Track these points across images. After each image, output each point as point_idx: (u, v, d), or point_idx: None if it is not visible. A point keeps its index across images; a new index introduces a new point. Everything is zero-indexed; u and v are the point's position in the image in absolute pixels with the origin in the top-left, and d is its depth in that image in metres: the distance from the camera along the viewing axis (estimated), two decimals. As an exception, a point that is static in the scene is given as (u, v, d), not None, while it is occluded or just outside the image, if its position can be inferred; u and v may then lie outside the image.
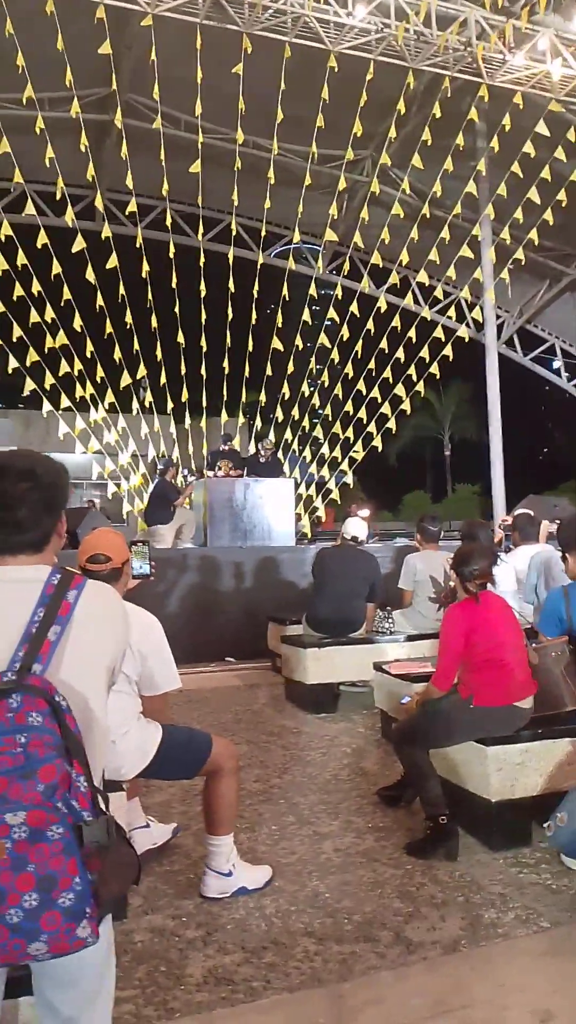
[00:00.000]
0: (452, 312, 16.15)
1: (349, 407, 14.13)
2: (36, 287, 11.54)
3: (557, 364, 20.08)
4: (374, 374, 13.80)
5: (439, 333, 13.69)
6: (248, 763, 4.62)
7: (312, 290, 13.82)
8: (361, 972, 2.52)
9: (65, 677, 1.45)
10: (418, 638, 6.00)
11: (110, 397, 12.96)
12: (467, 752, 3.51)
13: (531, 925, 2.79)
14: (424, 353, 13.51)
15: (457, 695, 3.53)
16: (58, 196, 11.93)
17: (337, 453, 14.94)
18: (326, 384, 14.78)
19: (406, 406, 13.60)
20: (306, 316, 13.06)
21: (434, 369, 13.50)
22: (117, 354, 12.71)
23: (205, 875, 3.04)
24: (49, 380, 12.30)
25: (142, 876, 3.15)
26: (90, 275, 11.68)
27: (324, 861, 3.32)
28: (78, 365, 12.59)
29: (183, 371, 13.88)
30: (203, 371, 14.06)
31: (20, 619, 1.46)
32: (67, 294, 11.81)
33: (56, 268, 11.57)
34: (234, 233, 13.76)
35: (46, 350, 12.03)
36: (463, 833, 3.42)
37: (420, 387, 13.64)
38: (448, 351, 13.54)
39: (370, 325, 13.59)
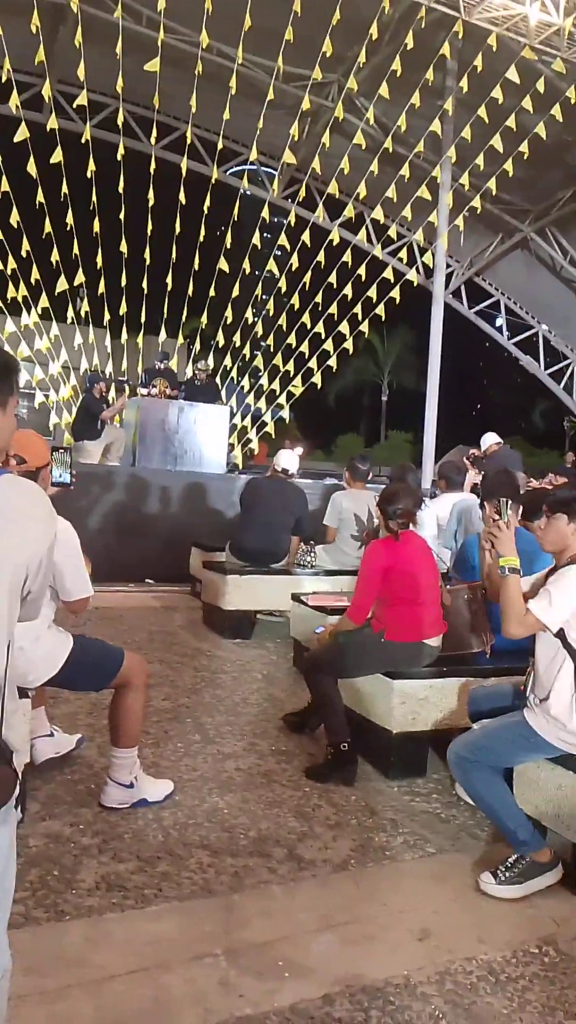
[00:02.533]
0: (403, 255, 15.95)
1: (292, 340, 13.90)
2: (-29, 175, 10.83)
3: (500, 321, 20.20)
4: (320, 308, 13.58)
5: (388, 274, 13.52)
6: (159, 681, 4.63)
7: (265, 213, 13.38)
8: (252, 885, 2.60)
9: None
10: (338, 573, 6.08)
11: (44, 302, 12.36)
12: (374, 684, 3.60)
13: (418, 851, 2.92)
14: (372, 293, 13.35)
15: (370, 629, 3.59)
16: (3, 79, 11.10)
17: (276, 386, 14.76)
18: (271, 313, 14.48)
19: (349, 345, 13.47)
20: (256, 240, 12.67)
21: (380, 311, 13.36)
22: (55, 256, 12.09)
23: (107, 785, 3.06)
24: (-21, 277, 11.69)
25: (41, 784, 3.17)
26: (32, 168, 10.99)
27: (225, 779, 3.38)
28: (12, 264, 11.92)
29: (123, 283, 13.34)
30: (144, 285, 13.57)
31: None
32: (5, 186, 11.12)
33: (-5, 156, 10.85)
34: (188, 142, 13.12)
35: (-23, 244, 11.39)
36: (362, 761, 3.53)
37: (365, 327, 13.51)
38: (396, 294, 13.41)
39: (321, 258, 13.30)
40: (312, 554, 6.28)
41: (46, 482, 2.91)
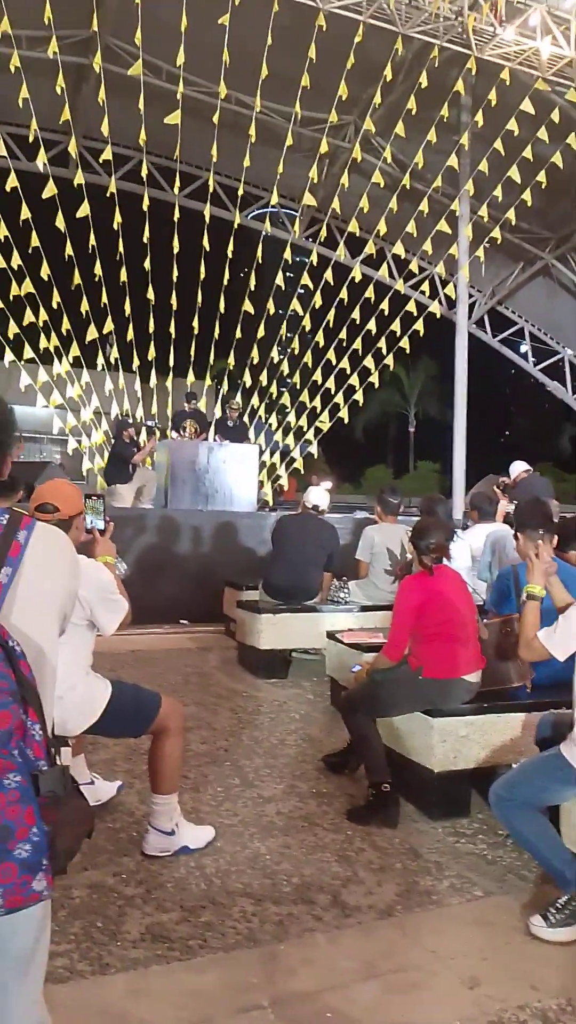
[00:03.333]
0: (425, 287, 16.08)
1: (318, 376, 14.03)
2: (3, 232, 11.18)
3: (524, 348, 20.17)
4: (344, 344, 13.71)
5: (411, 307, 13.63)
6: (195, 724, 4.63)
7: (287, 255, 13.61)
8: (297, 934, 2.56)
9: (17, 621, 1.38)
10: (372, 609, 6.04)
11: (75, 350, 12.65)
12: (413, 722, 3.56)
13: (464, 894, 2.85)
14: (395, 327, 13.45)
15: (407, 666, 3.57)
16: (31, 139, 11.51)
17: (303, 422, 14.87)
18: (296, 351, 14.65)
19: (374, 379, 13.57)
20: (279, 281, 12.87)
21: (404, 344, 13.45)
22: (84, 306, 12.39)
23: (148, 833, 3.05)
24: (13, 329, 11.99)
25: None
26: (60, 223, 11.34)
27: (266, 824, 3.35)
28: (43, 315, 12.25)
29: (151, 328, 13.61)
30: (172, 330, 13.82)
31: None
32: (35, 241, 11.46)
33: (25, 213, 11.20)
34: (211, 190, 13.45)
35: (11, 298, 11.70)
36: (404, 801, 3.48)
37: (389, 361, 13.60)
38: (419, 326, 13.49)
39: (343, 295, 13.47)
40: (345, 590, 6.26)
41: (80, 531, 2.95)
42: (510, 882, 2.96)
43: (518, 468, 8.54)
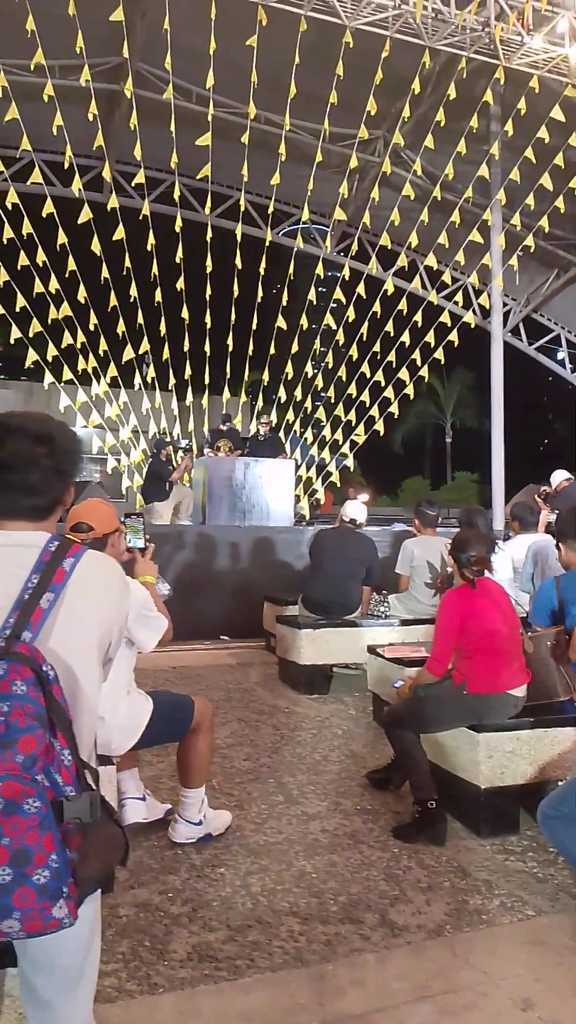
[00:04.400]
0: (459, 298, 16.02)
1: (352, 390, 14.05)
2: (41, 257, 11.43)
3: (561, 355, 19.95)
4: (379, 357, 13.71)
5: (445, 318, 13.59)
6: (238, 741, 4.63)
7: (319, 270, 13.68)
8: (345, 954, 2.53)
9: (55, 646, 1.40)
10: (413, 623, 5.99)
11: (112, 371, 12.86)
12: (458, 738, 3.51)
13: (516, 913, 2.80)
14: (430, 338, 13.42)
15: (450, 681, 3.52)
16: (66, 165, 11.78)
17: (339, 436, 14.87)
18: (330, 366, 14.68)
19: (409, 391, 13.53)
20: (312, 296, 12.94)
21: (439, 355, 13.41)
22: (121, 327, 12.60)
23: (176, 823, 3.19)
24: (52, 352, 12.21)
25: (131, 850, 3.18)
26: (96, 247, 11.56)
27: (311, 842, 3.33)
28: (81, 337, 12.50)
29: (186, 347, 13.77)
30: (207, 348, 13.96)
31: (14, 585, 1.42)
32: (72, 265, 11.69)
33: (62, 238, 11.44)
34: (242, 209, 13.59)
35: (49, 321, 11.93)
36: (451, 819, 3.43)
37: (424, 372, 13.55)
38: (453, 337, 13.44)
39: (376, 308, 13.48)
40: (385, 604, 6.23)
41: (115, 548, 2.98)
42: (562, 901, 2.89)
43: (559, 477, 8.42)
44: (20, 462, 1.48)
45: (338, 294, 13.55)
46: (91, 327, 12.50)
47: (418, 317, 13.62)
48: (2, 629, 1.36)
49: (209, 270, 12.96)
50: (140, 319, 12.82)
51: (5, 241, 11.05)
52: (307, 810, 3.66)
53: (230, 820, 3.39)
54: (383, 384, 13.74)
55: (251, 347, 14.13)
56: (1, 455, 1.48)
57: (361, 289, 13.40)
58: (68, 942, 1.39)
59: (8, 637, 1.34)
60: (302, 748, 4.59)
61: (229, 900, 2.84)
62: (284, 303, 13.06)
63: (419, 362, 13.50)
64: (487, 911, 2.80)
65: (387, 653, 4.90)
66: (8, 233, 11.03)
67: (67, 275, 11.72)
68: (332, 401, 14.84)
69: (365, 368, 13.77)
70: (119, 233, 11.60)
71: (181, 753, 3.20)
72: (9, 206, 10.92)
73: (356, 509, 6.42)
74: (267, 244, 14.00)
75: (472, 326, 14.97)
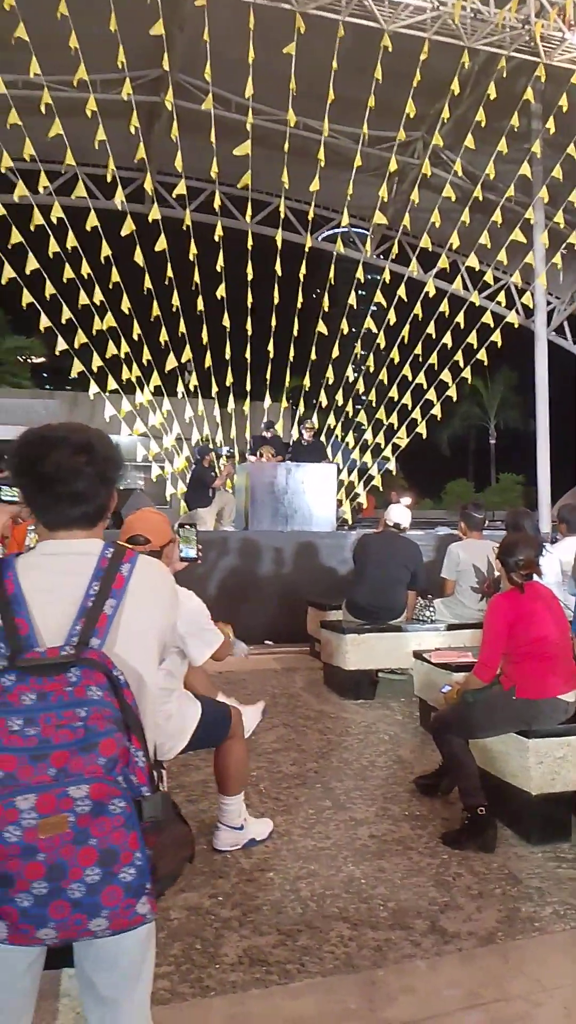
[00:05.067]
0: (501, 298, 15.85)
1: (394, 393, 14.00)
2: (85, 269, 11.65)
3: (608, 353, 19.61)
4: (420, 359, 13.64)
5: (488, 319, 13.47)
6: (284, 746, 4.64)
7: (359, 274, 13.67)
8: (395, 960, 2.52)
9: (120, 651, 1.43)
10: (459, 627, 5.94)
11: (156, 380, 13.06)
12: (508, 744, 3.48)
13: (569, 921, 2.76)
14: (472, 339, 13.31)
15: (499, 686, 3.49)
16: (108, 179, 11.98)
17: (380, 439, 14.83)
18: (371, 369, 14.66)
19: (452, 393, 13.43)
20: (352, 300, 12.94)
21: (482, 355, 13.30)
22: (163, 337, 12.77)
23: (218, 830, 3.21)
24: (96, 362, 12.43)
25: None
26: (138, 257, 11.73)
27: (360, 847, 3.32)
28: (125, 347, 12.69)
29: (228, 355, 13.88)
30: (247, 355, 14.05)
31: (75, 593, 1.45)
32: (115, 276, 11.89)
33: (105, 250, 11.64)
34: (282, 216, 13.66)
35: (94, 332, 12.14)
36: (501, 825, 3.39)
37: (467, 374, 13.44)
38: (496, 337, 13.32)
39: (417, 310, 13.43)
40: (431, 608, 6.17)
41: (170, 559, 3.02)
42: (617, 910, 2.84)
43: None
44: (65, 473, 1.51)
45: (378, 297, 13.52)
46: (135, 337, 12.70)
47: (460, 318, 13.52)
48: (70, 636, 1.39)
49: (250, 277, 13.04)
50: (182, 328, 12.97)
51: (51, 255, 11.28)
52: (355, 815, 3.65)
53: (271, 827, 3.41)
54: (425, 387, 13.67)
55: (292, 353, 14.17)
56: (46, 468, 1.51)
57: (402, 292, 13.35)
58: (129, 941, 1.42)
59: (77, 644, 1.37)
60: (349, 753, 4.59)
61: (279, 904, 2.85)
62: (324, 308, 13.08)
63: (461, 364, 13.40)
64: (539, 919, 2.77)
65: (433, 658, 4.87)
66: (53, 247, 11.26)
67: (111, 286, 11.92)
68: (373, 405, 14.81)
69: (407, 371, 13.71)
70: (161, 243, 11.76)
71: (219, 761, 3.21)
72: (54, 220, 11.15)
73: (400, 513, 6.38)
74: (307, 249, 14.05)
75: (516, 326, 14.80)
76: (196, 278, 12.74)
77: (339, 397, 14.77)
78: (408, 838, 3.41)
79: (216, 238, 13.05)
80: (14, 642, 1.37)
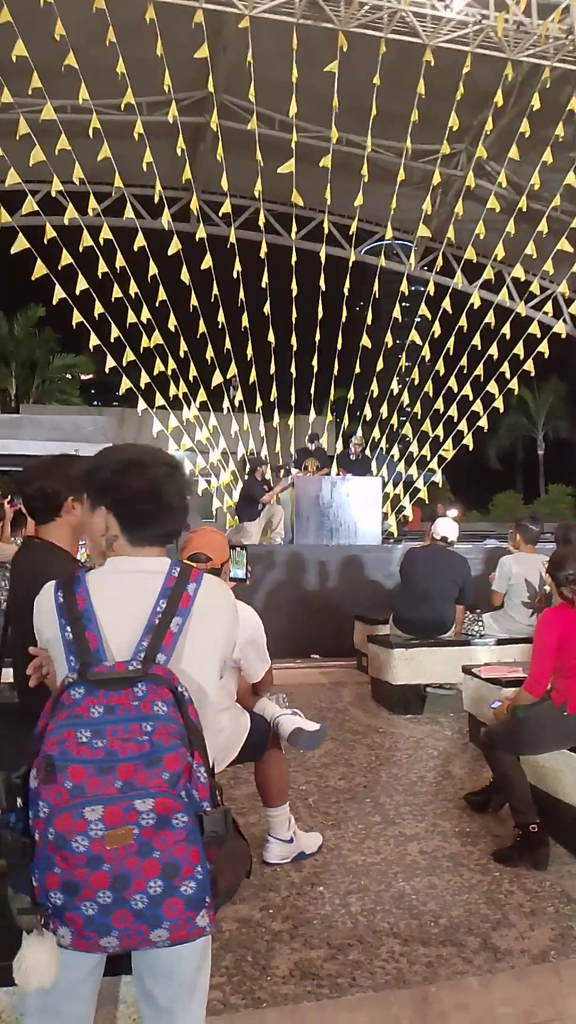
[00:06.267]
0: (548, 308, 15.69)
1: (439, 405, 13.93)
2: (133, 288, 11.88)
3: None
4: (466, 371, 13.56)
5: (534, 329, 13.34)
6: (333, 761, 4.64)
7: (403, 287, 13.68)
8: (447, 976, 2.51)
9: (185, 668, 1.47)
10: (508, 642, 5.87)
11: (202, 395, 13.23)
12: (559, 760, 3.43)
13: (624, 941, 2.71)
14: (519, 350, 13.20)
15: (550, 702, 3.45)
16: (155, 199, 12.22)
17: (426, 452, 14.76)
18: (416, 382, 14.61)
19: (499, 404, 13.31)
20: (396, 313, 12.94)
21: (528, 366, 13.16)
22: (209, 353, 12.94)
23: (268, 843, 3.23)
24: (144, 379, 12.63)
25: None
26: (185, 276, 11.93)
27: (410, 863, 3.31)
28: (172, 364, 12.90)
29: (272, 370, 14.00)
30: (292, 369, 14.15)
31: (143, 609, 1.49)
32: (163, 295, 12.10)
33: (152, 270, 11.86)
34: (326, 231, 13.74)
35: (141, 350, 12.36)
36: (553, 842, 3.35)
37: (514, 385, 13.32)
38: (544, 348, 13.18)
39: (463, 322, 13.36)
40: (480, 623, 6.12)
41: (225, 576, 3.10)
42: None
43: None
44: (159, 492, 1.57)
45: (423, 310, 13.49)
46: (181, 354, 12.89)
47: (506, 329, 13.41)
48: (136, 652, 1.44)
49: (294, 293, 13.15)
50: (228, 344, 13.12)
51: (100, 275, 11.53)
52: (404, 831, 3.64)
53: (321, 840, 3.43)
54: (471, 398, 13.58)
55: (336, 366, 14.22)
56: (140, 486, 1.57)
57: (447, 304, 13.31)
58: (186, 952, 1.46)
59: (144, 660, 1.41)
60: (398, 768, 4.57)
61: (329, 918, 2.86)
62: (368, 321, 13.10)
63: (508, 375, 13.29)
64: (594, 939, 2.73)
65: (483, 673, 4.83)
66: (102, 267, 11.52)
67: (158, 304, 12.14)
68: (418, 417, 14.75)
69: (452, 383, 13.63)
70: (207, 262, 11.93)
71: (261, 775, 3.26)
72: (103, 241, 11.40)
73: (447, 527, 6.35)
74: (351, 263, 14.10)
75: (563, 336, 14.63)
76: (241, 295, 12.89)
77: (384, 410, 14.75)
78: (459, 855, 3.39)
79: (261, 255, 13.19)
80: (84, 656, 1.41)
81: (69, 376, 27.88)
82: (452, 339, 13.43)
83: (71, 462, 2.43)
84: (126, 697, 1.35)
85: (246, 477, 11.12)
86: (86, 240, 11.29)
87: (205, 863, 1.34)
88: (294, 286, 13.14)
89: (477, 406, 13.40)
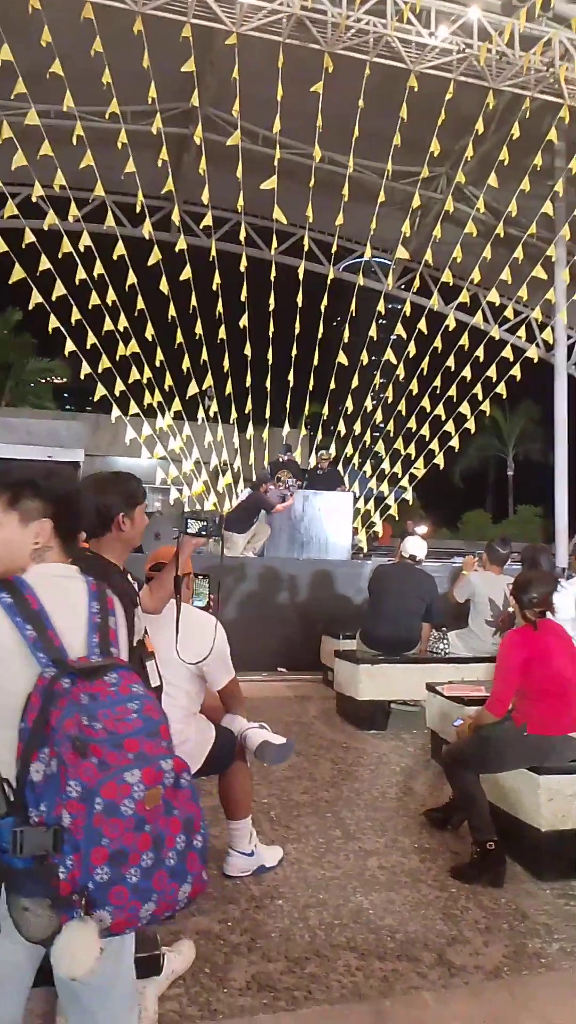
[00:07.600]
0: (522, 332, 15.96)
1: (412, 423, 14.08)
2: (112, 296, 11.86)
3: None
4: (439, 391, 13.74)
5: (508, 352, 13.55)
6: (297, 774, 4.67)
7: (380, 306, 13.84)
8: (402, 991, 2.54)
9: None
10: (473, 661, 5.95)
11: (177, 405, 13.21)
12: (519, 780, 3.50)
13: (576, 958, 2.77)
14: (492, 372, 13.40)
15: (511, 722, 3.52)
16: (137, 208, 12.24)
17: (398, 469, 14.89)
18: (390, 400, 14.75)
19: (470, 425, 13.49)
20: (373, 331, 13.08)
21: (500, 388, 13.37)
22: (186, 363, 12.96)
23: (229, 856, 3.24)
24: (119, 387, 12.61)
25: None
26: (164, 286, 11.95)
27: (369, 878, 3.35)
28: (148, 373, 12.88)
29: (248, 382, 14.06)
30: (268, 383, 14.22)
31: (81, 610, 1.59)
32: (141, 304, 12.10)
33: (132, 278, 11.87)
34: (306, 248, 13.86)
35: (118, 358, 12.34)
36: (510, 861, 3.40)
37: (486, 406, 13.50)
38: (516, 371, 13.40)
39: (437, 342, 13.53)
40: (445, 640, 6.19)
41: (189, 590, 3.12)
42: (625, 950, 2.85)
43: None
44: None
45: (399, 329, 13.65)
46: (157, 363, 12.90)
47: (480, 351, 13.62)
48: (91, 648, 1.53)
49: (272, 307, 13.23)
50: (204, 355, 13.15)
51: (78, 282, 11.51)
52: (365, 846, 3.68)
53: (282, 854, 3.44)
54: (443, 418, 13.74)
55: (312, 381, 14.32)
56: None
57: (422, 324, 13.48)
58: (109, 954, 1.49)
59: (102, 653, 1.53)
60: (360, 783, 4.61)
61: (288, 932, 2.88)
62: (345, 338, 13.22)
63: (480, 396, 13.48)
64: (546, 955, 2.78)
65: (446, 691, 4.89)
66: (81, 274, 11.50)
67: (136, 313, 12.13)
68: (391, 434, 14.89)
69: (425, 402, 13.79)
70: (186, 273, 11.97)
71: (225, 787, 3.26)
72: (83, 248, 11.39)
73: (416, 545, 6.43)
74: (329, 280, 14.22)
75: (535, 360, 14.89)
76: (219, 307, 12.94)
77: (357, 426, 14.87)
78: (417, 870, 3.43)
79: (241, 268, 13.25)
80: (52, 651, 1.47)
81: (43, 380, 27.71)
82: (426, 359, 13.59)
83: (126, 479, 2.52)
84: (102, 686, 1.43)
85: (248, 489, 11.04)
86: (66, 246, 11.28)
87: (204, 820, 1.45)
88: (272, 300, 13.22)
89: (449, 426, 13.56)
